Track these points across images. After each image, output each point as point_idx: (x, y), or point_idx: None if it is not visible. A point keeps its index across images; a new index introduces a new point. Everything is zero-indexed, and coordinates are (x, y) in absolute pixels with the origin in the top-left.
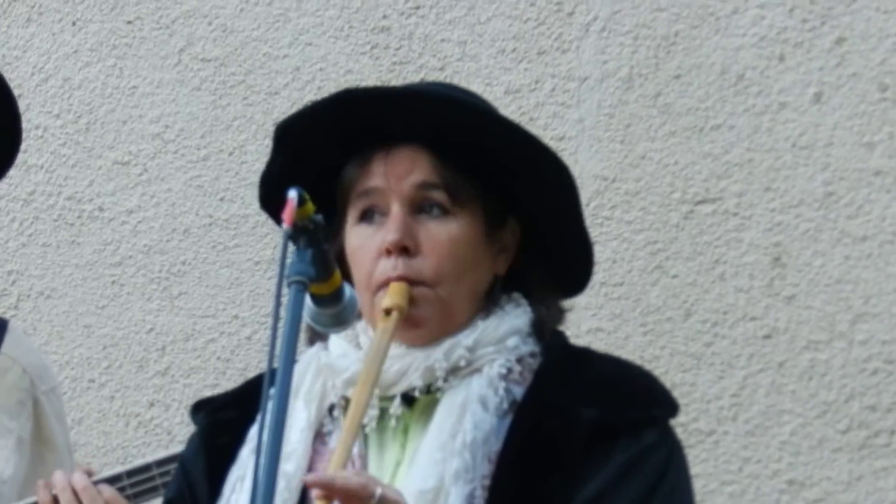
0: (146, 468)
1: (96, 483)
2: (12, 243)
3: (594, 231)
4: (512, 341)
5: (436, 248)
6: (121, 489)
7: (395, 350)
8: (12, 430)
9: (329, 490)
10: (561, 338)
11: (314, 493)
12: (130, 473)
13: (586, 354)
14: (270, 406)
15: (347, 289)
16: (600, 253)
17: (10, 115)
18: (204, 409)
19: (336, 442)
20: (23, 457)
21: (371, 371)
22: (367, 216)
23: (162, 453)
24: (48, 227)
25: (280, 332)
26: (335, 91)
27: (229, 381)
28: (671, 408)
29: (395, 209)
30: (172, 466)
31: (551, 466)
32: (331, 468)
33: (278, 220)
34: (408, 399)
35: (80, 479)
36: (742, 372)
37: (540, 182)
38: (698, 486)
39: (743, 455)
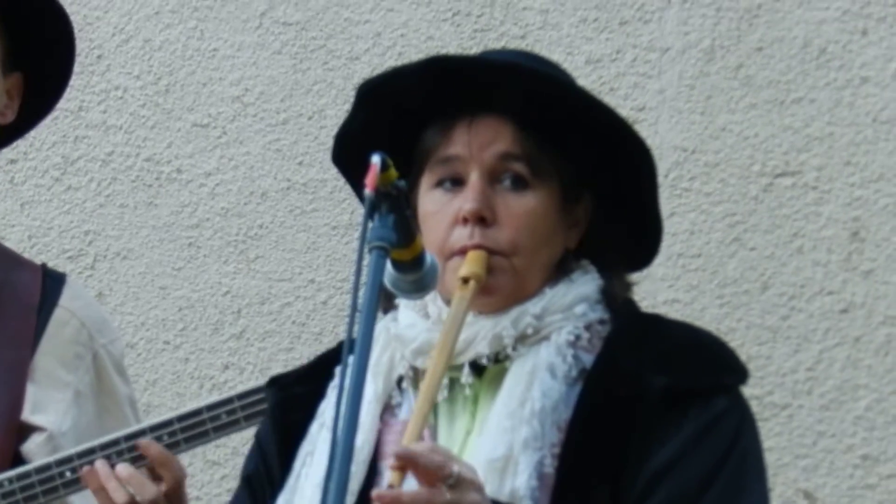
0: (197, 413)
1: (147, 428)
2: (90, 204)
3: (672, 202)
4: (580, 308)
5: (513, 219)
6: (171, 433)
7: None
8: (70, 384)
9: (410, 464)
10: (631, 304)
11: (389, 462)
12: (181, 418)
13: (656, 321)
14: (348, 372)
15: (428, 255)
16: (678, 224)
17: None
18: (275, 386)
19: (407, 413)
20: (82, 410)
21: (448, 340)
22: (443, 182)
23: (212, 398)
24: (126, 188)
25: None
26: (417, 58)
27: (304, 346)
28: (742, 374)
29: (474, 178)
30: (223, 411)
31: (622, 435)
32: (405, 439)
33: (350, 178)
34: (477, 368)
35: (124, 469)
36: (818, 346)
37: (620, 161)
38: (772, 459)
39: (817, 429)
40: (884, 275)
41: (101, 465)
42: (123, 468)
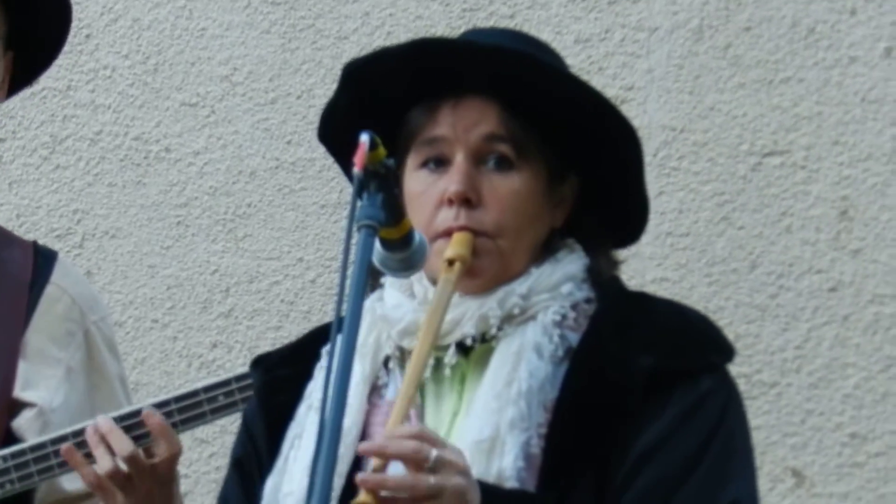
0: (194, 394)
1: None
2: (78, 182)
3: (661, 181)
4: (566, 287)
5: (498, 201)
6: (168, 414)
7: None
8: (61, 360)
9: (383, 457)
10: (617, 283)
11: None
12: (178, 399)
13: (642, 299)
14: (336, 351)
15: (417, 234)
16: (667, 203)
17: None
18: (260, 367)
19: (393, 394)
20: (73, 386)
21: (433, 322)
22: (428, 163)
23: (210, 380)
24: (114, 167)
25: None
26: (405, 37)
27: (292, 324)
28: (728, 352)
29: (460, 159)
30: (220, 392)
31: (609, 415)
32: (390, 422)
33: (336, 156)
34: (463, 348)
35: (104, 423)
36: (806, 325)
37: (606, 142)
38: (760, 437)
39: (806, 407)
40: (872, 253)
41: (91, 429)
42: (104, 421)
